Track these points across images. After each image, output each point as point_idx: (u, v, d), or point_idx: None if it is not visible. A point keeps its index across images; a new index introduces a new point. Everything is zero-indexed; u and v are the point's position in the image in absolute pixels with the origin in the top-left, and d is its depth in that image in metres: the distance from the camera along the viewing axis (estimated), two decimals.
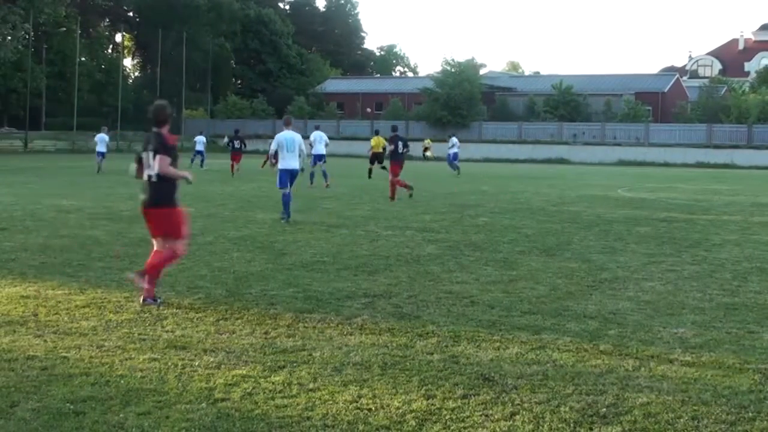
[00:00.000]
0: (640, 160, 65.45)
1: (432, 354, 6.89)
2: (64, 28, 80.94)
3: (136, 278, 8.82)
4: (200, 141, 41.79)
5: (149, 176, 8.96)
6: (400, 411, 5.51)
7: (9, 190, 24.66)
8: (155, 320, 7.91)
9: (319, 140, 28.33)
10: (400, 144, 23.97)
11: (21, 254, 11.99)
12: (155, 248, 9.16)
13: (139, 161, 9.06)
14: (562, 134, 72.99)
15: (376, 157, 33.75)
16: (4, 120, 75.14)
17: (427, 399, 5.76)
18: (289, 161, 17.17)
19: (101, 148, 36.39)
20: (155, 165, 8.85)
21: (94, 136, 38.51)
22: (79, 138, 66.24)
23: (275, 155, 17.25)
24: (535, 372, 6.42)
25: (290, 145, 17.20)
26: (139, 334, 7.36)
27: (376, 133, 36.12)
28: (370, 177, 34.02)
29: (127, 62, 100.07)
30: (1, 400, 5.57)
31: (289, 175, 17.13)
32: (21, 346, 6.90)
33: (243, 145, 37.75)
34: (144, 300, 8.63)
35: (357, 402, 5.66)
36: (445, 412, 5.50)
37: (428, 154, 65.57)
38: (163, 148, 8.90)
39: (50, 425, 5.14)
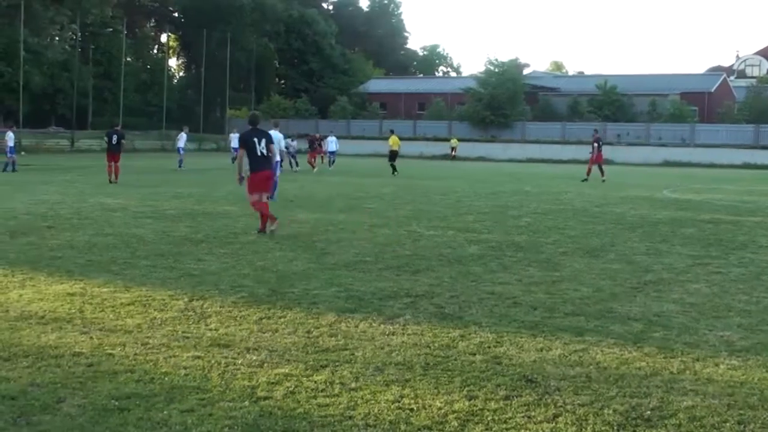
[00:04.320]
0: (686, 161, 64.71)
1: (474, 354, 6.87)
2: (111, 29, 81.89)
3: (269, 226, 14.24)
4: (234, 138, 42.39)
5: (262, 153, 14.60)
6: (442, 411, 5.49)
7: (56, 189, 24.99)
8: (199, 318, 7.96)
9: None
10: None
11: (67, 252, 12.14)
12: (256, 200, 14.63)
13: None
14: (606, 134, 72.37)
15: (393, 155, 37.37)
16: (52, 119, 76.15)
17: (470, 400, 5.73)
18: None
19: (181, 144, 40.27)
20: (268, 149, 14.71)
21: (178, 134, 43.29)
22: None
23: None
24: (579, 374, 6.36)
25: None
26: (183, 332, 7.42)
27: (392, 132, 40.41)
28: (394, 173, 36.04)
29: (172, 62, 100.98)
30: (48, 395, 5.64)
31: None
32: (67, 343, 6.98)
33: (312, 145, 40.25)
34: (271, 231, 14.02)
35: (399, 402, 5.66)
36: (487, 413, 5.47)
37: (454, 153, 65.92)
38: (269, 138, 14.86)
39: (95, 421, 5.19)
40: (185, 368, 6.32)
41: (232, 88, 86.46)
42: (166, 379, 6.06)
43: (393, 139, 38.16)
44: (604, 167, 36.66)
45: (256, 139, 14.70)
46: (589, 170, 36.34)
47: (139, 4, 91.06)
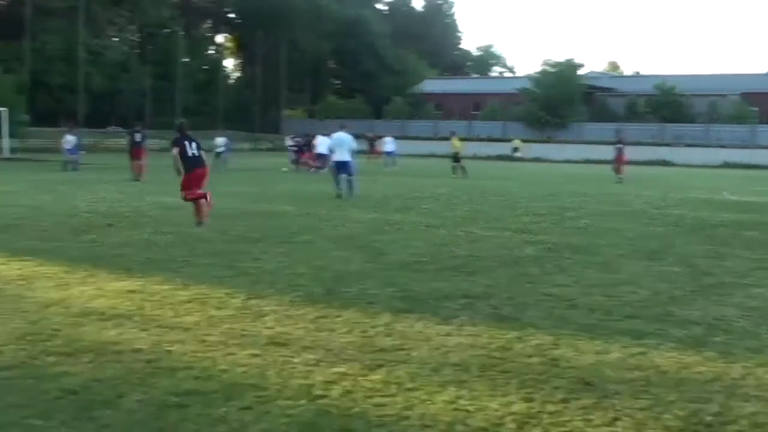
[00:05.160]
0: (746, 163, 63.46)
1: (531, 357, 6.82)
2: (168, 30, 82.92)
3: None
4: (320, 142, 42.82)
5: (194, 154, 15.72)
6: (499, 413, 5.46)
7: (115, 188, 25.37)
8: (256, 317, 8.02)
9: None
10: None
11: (127, 250, 12.31)
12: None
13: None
14: (663, 135, 71.41)
15: (456, 156, 37.18)
16: (112, 119, 77.34)
17: (527, 402, 5.70)
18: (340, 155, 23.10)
19: (390, 147, 42.56)
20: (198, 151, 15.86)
21: (384, 139, 45.59)
22: None
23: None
24: (637, 377, 6.29)
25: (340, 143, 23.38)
26: (240, 330, 7.47)
27: (452, 134, 40.13)
28: (454, 173, 36.21)
29: (228, 63, 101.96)
30: (109, 390, 5.72)
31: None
32: (127, 339, 7.08)
33: (308, 146, 39.39)
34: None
35: (455, 403, 5.64)
36: (544, 416, 5.43)
37: (518, 154, 65.60)
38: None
39: (155, 417, 5.26)
40: (243, 366, 6.37)
41: (287, 88, 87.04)
42: (224, 376, 6.11)
43: (455, 141, 38.03)
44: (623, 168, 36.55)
45: (186, 143, 15.81)
46: (620, 168, 36.17)
47: (195, 5, 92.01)
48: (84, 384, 5.85)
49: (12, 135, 51.87)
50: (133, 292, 9.13)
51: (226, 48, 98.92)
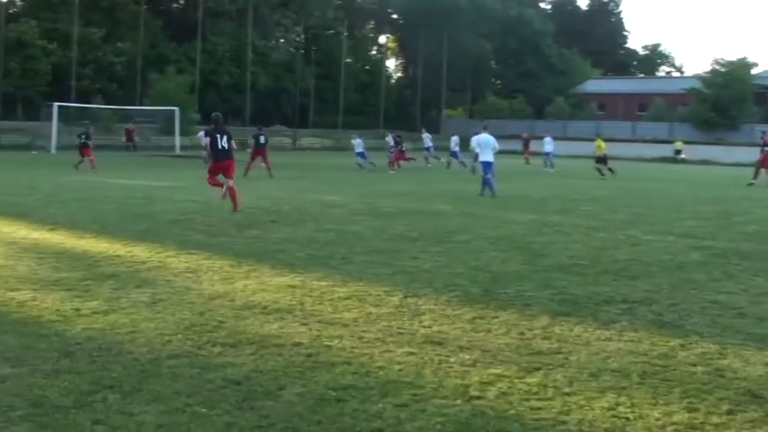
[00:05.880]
0: None
1: (695, 365, 6.59)
2: (332, 30, 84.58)
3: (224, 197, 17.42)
4: (454, 141, 42.50)
5: (223, 146, 17.54)
6: (660, 423, 5.30)
7: (278, 185, 26.05)
8: (413, 315, 8.07)
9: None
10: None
11: (289, 246, 12.62)
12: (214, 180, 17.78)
13: None
14: None
15: (601, 158, 36.65)
16: (276, 118, 79.49)
17: (689, 412, 5.50)
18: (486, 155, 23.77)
19: (428, 143, 42.46)
20: (229, 144, 17.68)
21: (422, 135, 45.43)
22: (344, 136, 68.97)
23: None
24: None
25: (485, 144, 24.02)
26: (397, 328, 7.54)
27: (598, 136, 39.31)
28: (602, 174, 35.59)
29: (390, 63, 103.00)
30: (270, 382, 5.88)
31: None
32: (288, 333, 7.26)
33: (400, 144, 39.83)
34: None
35: (614, 410, 5.51)
36: (708, 427, 5.24)
37: (682, 156, 63.62)
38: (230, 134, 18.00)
39: (313, 410, 5.36)
40: (399, 363, 6.42)
41: (448, 88, 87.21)
42: (381, 373, 6.18)
43: (599, 143, 37.30)
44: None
45: (218, 135, 17.57)
46: (758, 172, 34.24)
47: (359, 6, 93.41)
48: (246, 375, 6.03)
49: (182, 133, 54.08)
50: (294, 287, 9.34)
51: (389, 48, 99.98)
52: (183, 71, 66.35)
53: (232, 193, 17.52)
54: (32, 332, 7.06)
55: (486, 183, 23.44)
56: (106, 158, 36.75)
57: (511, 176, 33.50)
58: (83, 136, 33.56)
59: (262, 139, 31.63)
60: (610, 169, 35.49)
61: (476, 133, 26.53)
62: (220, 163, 17.79)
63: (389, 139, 40.84)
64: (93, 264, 10.62)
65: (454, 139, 42.13)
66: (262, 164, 30.87)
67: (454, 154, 41.01)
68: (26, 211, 16.66)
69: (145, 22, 67.84)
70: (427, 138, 45.02)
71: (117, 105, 56.59)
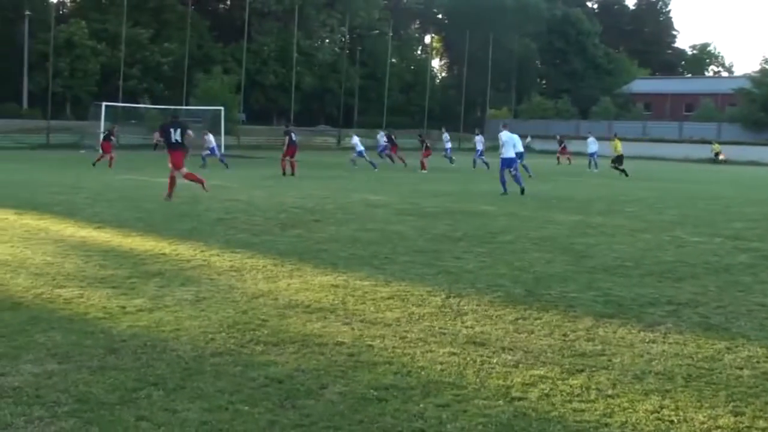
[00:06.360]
0: None
1: (742, 369, 6.50)
2: (377, 31, 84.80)
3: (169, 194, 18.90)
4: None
5: (176, 139, 19.48)
6: (705, 426, 5.23)
7: (322, 184, 26.15)
8: (455, 315, 8.05)
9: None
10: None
11: (332, 245, 12.66)
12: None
13: None
14: None
15: (618, 158, 36.88)
16: (321, 118, 79.83)
17: (735, 416, 5.43)
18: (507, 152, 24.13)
19: (480, 146, 41.60)
20: (182, 136, 19.55)
21: (475, 136, 43.85)
22: None
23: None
24: None
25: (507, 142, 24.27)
26: (439, 328, 7.52)
27: (615, 135, 40.06)
28: (627, 175, 35.53)
29: (435, 63, 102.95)
30: (312, 381, 5.90)
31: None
32: (330, 332, 7.28)
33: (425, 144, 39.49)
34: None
35: (658, 413, 5.45)
36: None
37: (721, 157, 62.89)
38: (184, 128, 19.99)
39: (355, 409, 5.37)
40: (441, 363, 6.41)
41: (492, 87, 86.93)
42: (423, 373, 6.17)
43: (616, 143, 37.42)
44: None
45: (171, 129, 19.54)
46: None
47: (404, 6, 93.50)
48: (288, 374, 6.05)
49: (227, 132, 54.46)
50: (336, 286, 9.37)
51: (434, 48, 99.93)
52: (229, 71, 66.91)
53: (171, 181, 19.42)
54: (78, 329, 7.16)
55: (514, 179, 24.13)
56: (151, 158, 37.16)
57: (555, 177, 33.31)
58: (106, 132, 36.07)
59: (293, 136, 31.75)
60: (623, 170, 35.50)
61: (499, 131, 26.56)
62: (170, 151, 19.71)
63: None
64: (138, 262, 10.73)
65: (479, 138, 41.82)
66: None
67: (480, 154, 40.65)
68: (73, 209, 16.88)
69: (192, 22, 68.45)
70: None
71: (163, 105, 57.15)
